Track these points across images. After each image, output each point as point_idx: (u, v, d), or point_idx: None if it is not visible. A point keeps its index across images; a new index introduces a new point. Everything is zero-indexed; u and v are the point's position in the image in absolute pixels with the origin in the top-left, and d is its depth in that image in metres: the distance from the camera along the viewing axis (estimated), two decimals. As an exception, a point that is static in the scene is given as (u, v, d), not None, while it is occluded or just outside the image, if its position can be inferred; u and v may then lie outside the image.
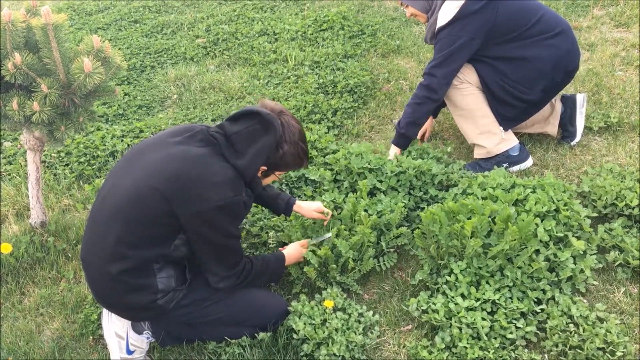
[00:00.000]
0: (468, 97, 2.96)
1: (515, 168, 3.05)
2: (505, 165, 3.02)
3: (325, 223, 2.52)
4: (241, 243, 2.10)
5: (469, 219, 2.28)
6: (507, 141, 3.01)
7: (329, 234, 2.44)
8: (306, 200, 2.85)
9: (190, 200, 1.83)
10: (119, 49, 4.80)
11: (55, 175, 3.26)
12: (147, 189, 1.83)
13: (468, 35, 2.78)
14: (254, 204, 2.57)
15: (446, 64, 2.85)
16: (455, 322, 2.12)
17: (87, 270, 1.99)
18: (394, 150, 3.12)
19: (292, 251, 2.31)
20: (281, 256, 2.27)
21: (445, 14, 2.81)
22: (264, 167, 2.02)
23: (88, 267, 1.98)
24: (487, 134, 2.99)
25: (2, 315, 2.43)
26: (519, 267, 2.28)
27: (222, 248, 1.96)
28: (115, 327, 2.07)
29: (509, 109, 2.94)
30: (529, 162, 3.06)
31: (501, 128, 2.98)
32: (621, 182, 2.67)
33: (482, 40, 2.80)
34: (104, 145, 3.42)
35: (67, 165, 3.34)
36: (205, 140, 1.94)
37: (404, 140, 3.09)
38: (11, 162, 3.42)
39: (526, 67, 2.83)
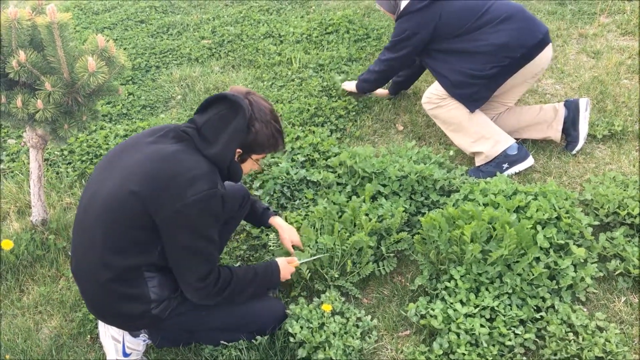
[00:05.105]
0: (452, 111, 3.07)
1: (516, 169, 3.04)
2: (505, 165, 3.02)
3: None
4: (216, 251, 1.95)
5: (468, 224, 2.27)
6: (503, 142, 3.03)
7: (321, 254, 2.35)
8: (307, 203, 2.85)
9: (165, 200, 1.78)
10: (125, 48, 4.81)
11: (57, 173, 3.27)
12: (125, 193, 1.79)
13: (411, 30, 3.05)
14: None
15: (395, 49, 3.20)
16: (453, 328, 2.12)
17: (79, 283, 1.98)
18: (348, 84, 3.76)
19: (280, 268, 2.18)
20: (274, 265, 2.15)
21: (400, 9, 3.13)
22: (239, 150, 1.96)
23: (79, 279, 1.97)
24: (481, 140, 3.04)
25: (0, 312, 2.43)
26: (519, 274, 2.27)
27: (194, 253, 1.85)
28: (111, 331, 2.06)
29: (468, 88, 2.99)
30: (529, 161, 3.05)
31: (468, 111, 3.04)
32: (624, 190, 2.66)
33: (428, 37, 3.02)
34: (107, 144, 3.43)
35: (70, 163, 3.35)
36: (177, 137, 1.90)
37: (361, 86, 3.64)
38: (14, 160, 3.43)
39: (476, 55, 2.93)
